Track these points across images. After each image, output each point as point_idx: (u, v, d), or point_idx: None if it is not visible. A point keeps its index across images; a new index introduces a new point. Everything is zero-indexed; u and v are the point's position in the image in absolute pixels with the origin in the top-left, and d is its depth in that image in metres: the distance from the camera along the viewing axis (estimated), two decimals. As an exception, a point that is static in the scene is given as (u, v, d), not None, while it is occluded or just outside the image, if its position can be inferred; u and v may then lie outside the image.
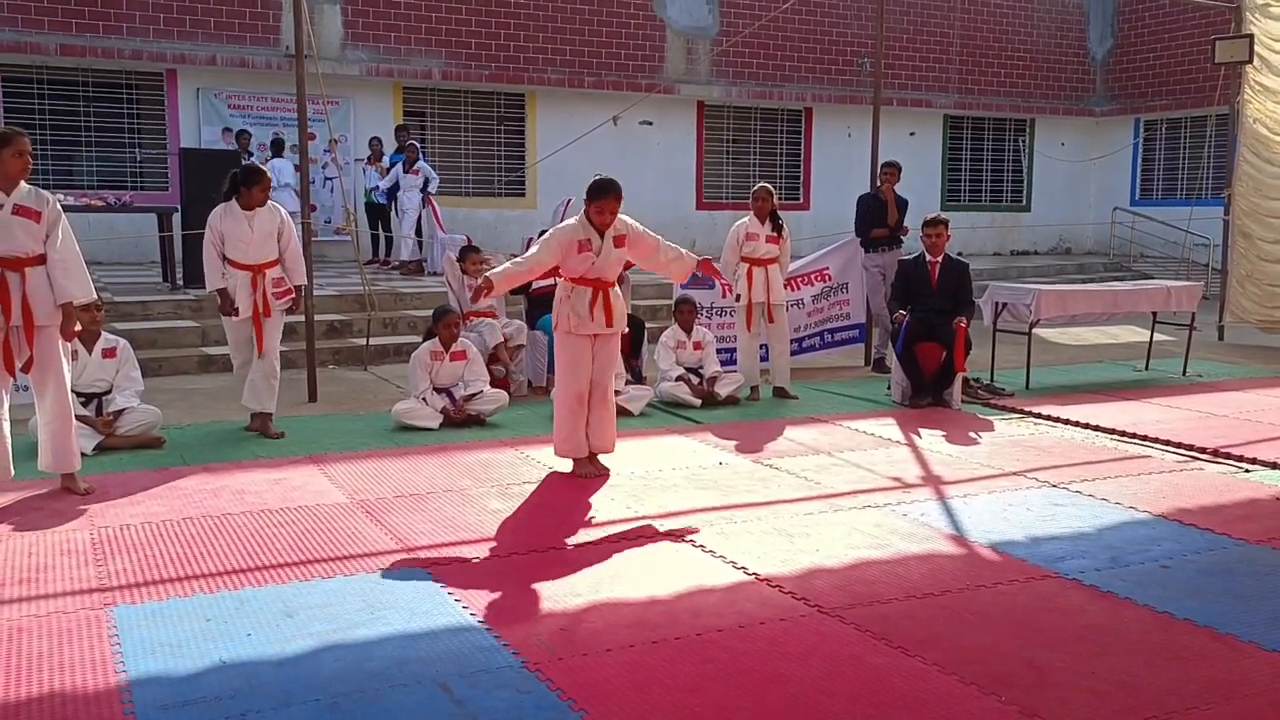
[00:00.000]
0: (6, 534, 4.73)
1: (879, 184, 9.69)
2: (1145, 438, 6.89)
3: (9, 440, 5.30)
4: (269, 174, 6.81)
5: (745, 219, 8.39)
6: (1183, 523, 5.05)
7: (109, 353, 6.53)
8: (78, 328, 5.52)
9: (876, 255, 9.65)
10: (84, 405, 6.31)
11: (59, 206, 5.31)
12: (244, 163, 8.42)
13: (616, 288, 5.92)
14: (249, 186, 6.56)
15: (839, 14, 17.55)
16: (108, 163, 14.01)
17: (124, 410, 6.41)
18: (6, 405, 5.30)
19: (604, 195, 5.67)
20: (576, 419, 5.87)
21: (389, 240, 14.26)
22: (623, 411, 7.54)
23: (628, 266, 6.56)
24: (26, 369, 5.25)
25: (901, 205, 9.63)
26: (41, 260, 5.20)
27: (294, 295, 6.85)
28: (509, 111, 16.13)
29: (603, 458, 6.01)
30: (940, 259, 8.23)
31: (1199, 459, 6.42)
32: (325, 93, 9.43)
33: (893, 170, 9.63)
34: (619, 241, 5.78)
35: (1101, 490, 5.62)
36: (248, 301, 6.63)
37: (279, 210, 6.77)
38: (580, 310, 5.77)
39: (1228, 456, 6.41)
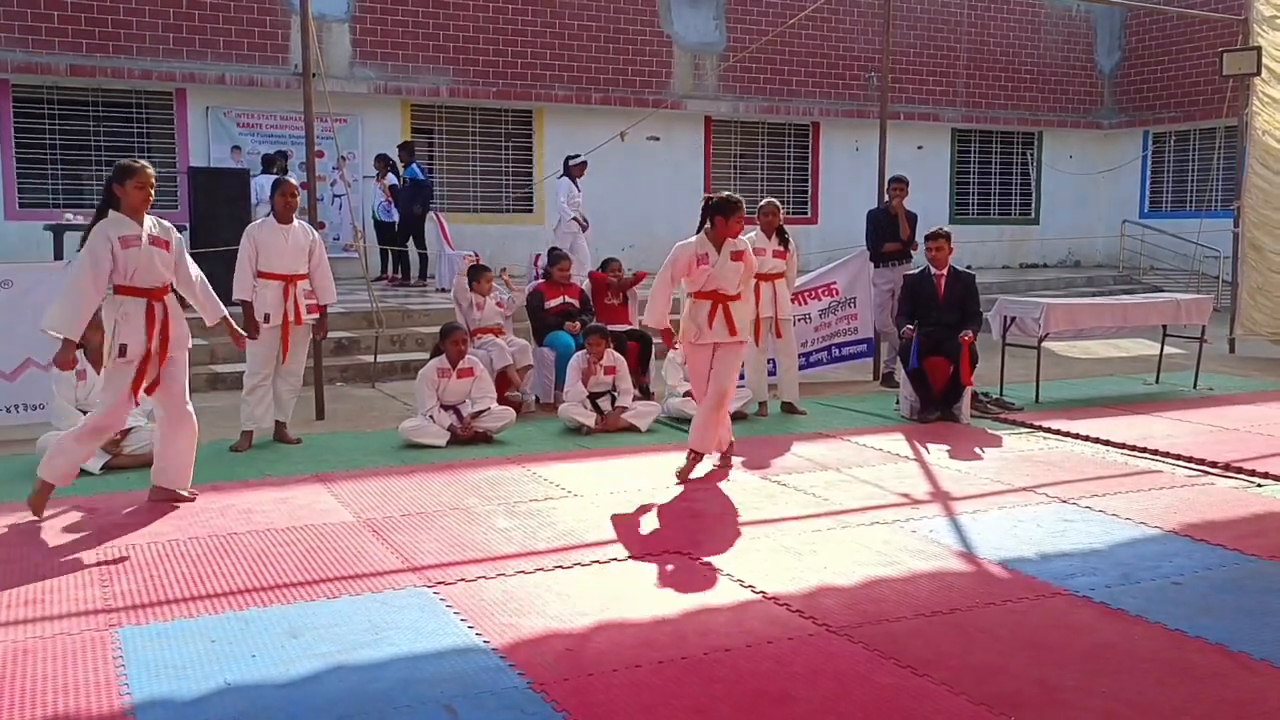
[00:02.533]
0: (13, 554, 4.73)
1: (888, 199, 9.67)
2: (1156, 452, 6.85)
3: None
4: (293, 184, 7.08)
5: (752, 234, 8.37)
6: (1194, 538, 5.01)
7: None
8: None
9: (887, 270, 9.61)
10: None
11: (179, 234, 5.55)
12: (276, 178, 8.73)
13: (739, 301, 6.26)
14: (273, 193, 6.99)
15: (846, 29, 17.58)
16: (118, 181, 14.05)
17: (132, 429, 6.40)
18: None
19: (738, 209, 6.08)
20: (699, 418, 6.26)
21: (395, 256, 14.29)
22: (630, 428, 7.55)
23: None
24: (150, 391, 5.41)
25: (912, 219, 9.62)
26: (169, 289, 5.41)
27: (321, 313, 7.14)
28: (516, 128, 16.18)
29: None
30: (945, 272, 8.23)
31: (1210, 474, 6.37)
32: (333, 110, 9.46)
33: (901, 185, 9.61)
34: (736, 256, 6.14)
35: (1112, 506, 5.59)
36: (279, 310, 6.82)
37: (311, 231, 7.13)
38: (699, 321, 6.20)
39: (1239, 471, 6.36)
